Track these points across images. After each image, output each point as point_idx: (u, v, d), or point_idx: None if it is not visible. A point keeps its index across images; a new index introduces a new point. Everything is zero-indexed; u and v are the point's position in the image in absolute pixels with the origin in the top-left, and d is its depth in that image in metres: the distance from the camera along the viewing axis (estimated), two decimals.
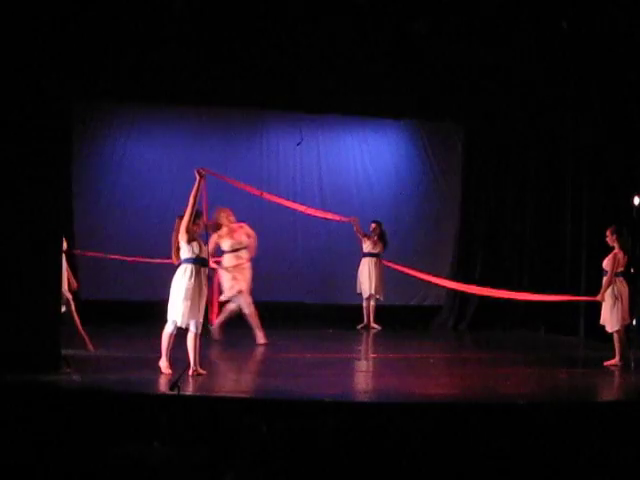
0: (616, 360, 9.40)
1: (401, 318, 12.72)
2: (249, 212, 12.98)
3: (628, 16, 10.95)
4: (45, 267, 8.02)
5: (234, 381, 8.15)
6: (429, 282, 11.65)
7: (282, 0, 10.93)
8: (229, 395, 7.41)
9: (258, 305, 12.44)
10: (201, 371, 8.16)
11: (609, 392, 8.50)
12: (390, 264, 12.05)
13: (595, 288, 9.70)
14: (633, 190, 11.79)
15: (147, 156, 12.79)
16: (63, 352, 8.34)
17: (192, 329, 8.14)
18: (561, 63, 11.95)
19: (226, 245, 10.47)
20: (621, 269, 9.48)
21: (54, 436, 6.29)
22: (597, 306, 9.99)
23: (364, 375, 9.44)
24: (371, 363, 10.32)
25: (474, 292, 11.67)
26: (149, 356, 8.12)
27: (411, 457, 6.48)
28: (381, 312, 12.63)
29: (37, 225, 7.97)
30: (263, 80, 11.68)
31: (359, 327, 12.57)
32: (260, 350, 10.14)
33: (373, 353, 10.91)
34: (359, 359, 10.63)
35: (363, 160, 13.62)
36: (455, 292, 13.09)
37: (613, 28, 11.17)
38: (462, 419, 6.97)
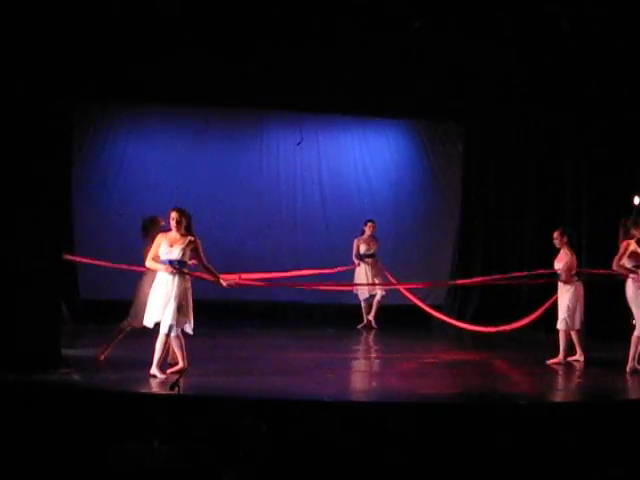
0: (560, 358, 9.61)
1: (401, 318, 12.71)
2: (248, 212, 13.02)
3: (628, 15, 10.95)
4: (45, 267, 8.03)
5: (234, 381, 8.15)
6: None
7: (282, 0, 10.93)
8: (229, 395, 7.41)
9: (257, 305, 12.49)
10: (158, 373, 8.02)
11: (609, 392, 8.49)
12: (389, 275, 12.15)
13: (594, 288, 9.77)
14: (633, 190, 11.79)
15: (147, 156, 12.80)
16: (63, 352, 8.35)
17: (161, 330, 8.11)
18: (561, 63, 11.94)
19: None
20: (574, 270, 9.69)
21: (54, 436, 6.29)
22: (597, 307, 10.02)
23: (364, 375, 9.45)
24: (371, 363, 10.32)
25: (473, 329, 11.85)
26: (149, 356, 8.12)
27: (411, 457, 6.48)
28: (381, 312, 12.61)
29: (37, 225, 7.97)
30: (263, 80, 11.68)
31: (359, 327, 12.55)
32: (260, 350, 10.13)
33: (373, 353, 10.91)
34: (359, 359, 10.63)
35: (363, 160, 13.62)
36: (455, 292, 13.11)
37: (613, 27, 11.18)
38: (462, 419, 6.98)
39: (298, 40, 11.25)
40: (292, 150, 13.21)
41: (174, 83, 11.56)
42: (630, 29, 11.10)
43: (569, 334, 9.65)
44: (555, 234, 9.80)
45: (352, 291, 12.61)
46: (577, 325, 9.60)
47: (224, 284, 8.40)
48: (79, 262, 10.84)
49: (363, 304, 12.62)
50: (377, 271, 12.55)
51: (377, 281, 12.50)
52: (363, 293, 12.57)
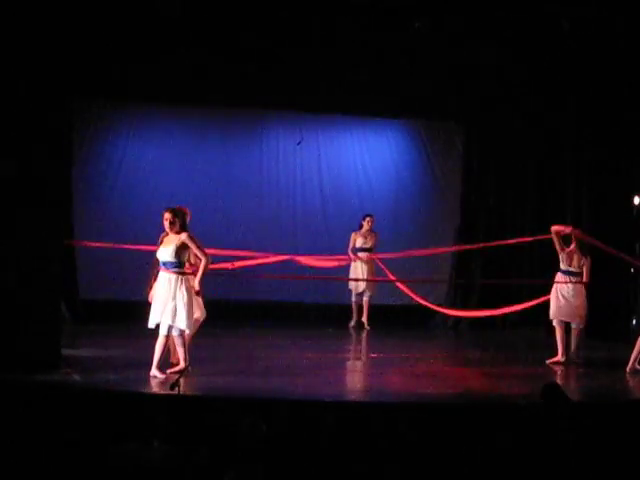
0: (559, 357, 9.70)
1: (401, 318, 12.70)
2: (248, 212, 13.02)
3: (628, 15, 10.96)
4: (45, 267, 8.03)
5: (234, 381, 8.15)
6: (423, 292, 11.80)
7: (282, 0, 10.94)
8: (229, 395, 7.41)
9: (257, 305, 12.49)
10: (158, 374, 8.03)
11: (609, 392, 8.50)
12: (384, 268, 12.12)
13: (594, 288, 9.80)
14: (633, 190, 11.80)
15: (147, 156, 12.79)
16: (63, 352, 8.35)
17: (161, 331, 8.12)
18: (561, 63, 11.95)
19: None
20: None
21: (54, 436, 6.29)
22: (598, 306, 10.02)
23: (364, 375, 9.45)
24: (371, 363, 10.31)
25: (466, 315, 11.91)
26: (149, 356, 8.11)
27: (411, 457, 6.48)
28: (381, 312, 12.60)
29: (37, 225, 7.97)
30: (263, 80, 11.69)
31: (350, 325, 12.47)
32: (260, 350, 10.13)
33: (373, 353, 10.90)
34: (359, 359, 10.63)
35: (363, 160, 13.61)
36: (455, 292, 13.10)
37: (613, 27, 11.18)
38: (462, 419, 6.98)
39: (298, 40, 11.25)
40: (292, 150, 13.20)
41: (174, 83, 11.57)
42: (630, 29, 11.10)
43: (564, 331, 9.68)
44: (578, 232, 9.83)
45: (348, 288, 12.57)
46: (551, 315, 9.71)
47: (196, 286, 8.17)
48: (84, 245, 10.93)
49: (354, 298, 12.52)
50: (371, 269, 12.47)
51: (370, 278, 12.41)
52: (359, 287, 12.48)
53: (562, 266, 9.74)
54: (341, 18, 11.04)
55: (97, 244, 10.46)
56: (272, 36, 11.20)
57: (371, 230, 12.52)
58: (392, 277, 11.87)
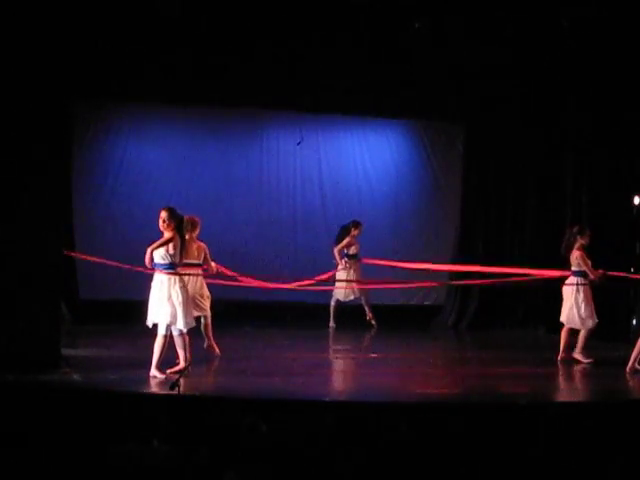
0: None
1: (401, 318, 12.70)
2: (248, 212, 13.02)
3: (628, 15, 10.96)
4: (45, 267, 8.03)
5: (234, 381, 8.15)
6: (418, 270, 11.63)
7: (281, 1, 10.94)
8: (229, 395, 7.41)
9: (258, 305, 12.48)
10: (158, 374, 8.00)
11: (609, 392, 8.50)
12: (375, 261, 12.04)
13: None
14: (633, 190, 11.80)
15: (147, 156, 12.79)
16: (63, 352, 8.35)
17: (159, 331, 8.12)
18: (561, 63, 11.95)
19: None
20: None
21: (54, 436, 6.29)
22: (598, 306, 10.02)
23: (364, 375, 9.44)
24: (371, 363, 10.31)
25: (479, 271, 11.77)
26: (149, 356, 8.12)
27: (411, 457, 6.48)
28: (380, 312, 12.59)
29: (37, 225, 7.98)
30: (263, 80, 11.69)
31: (331, 326, 12.39)
32: (260, 350, 10.14)
33: (373, 353, 10.90)
34: (359, 359, 10.63)
35: (363, 160, 13.61)
36: (455, 291, 13.09)
37: (613, 27, 11.18)
38: (462, 419, 6.97)
39: (298, 40, 11.25)
40: (292, 150, 13.20)
41: (174, 83, 11.56)
42: (630, 29, 11.10)
43: (568, 331, 9.68)
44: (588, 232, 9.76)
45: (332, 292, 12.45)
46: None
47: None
48: (83, 259, 10.79)
49: (334, 302, 12.48)
50: (360, 273, 12.44)
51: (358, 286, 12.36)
52: (349, 295, 12.41)
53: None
54: (341, 18, 11.04)
55: (96, 259, 10.23)
56: (272, 36, 11.20)
57: (356, 239, 12.43)
58: (399, 264, 11.67)
